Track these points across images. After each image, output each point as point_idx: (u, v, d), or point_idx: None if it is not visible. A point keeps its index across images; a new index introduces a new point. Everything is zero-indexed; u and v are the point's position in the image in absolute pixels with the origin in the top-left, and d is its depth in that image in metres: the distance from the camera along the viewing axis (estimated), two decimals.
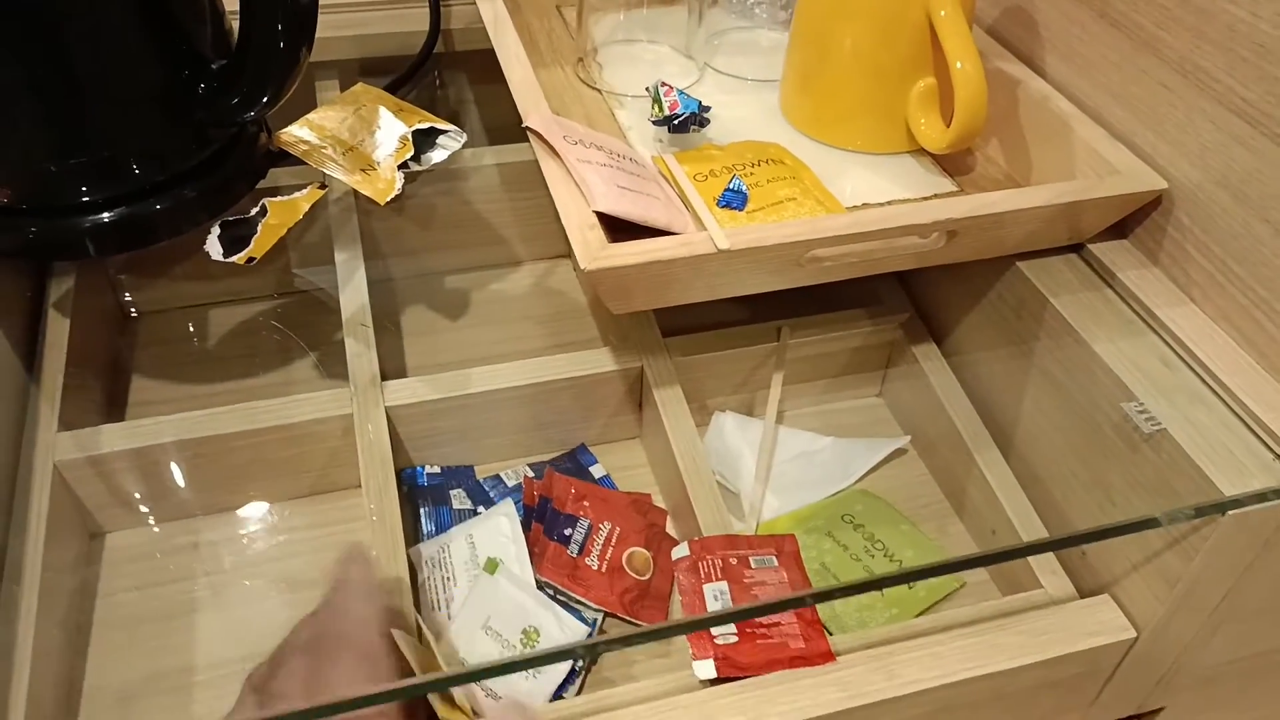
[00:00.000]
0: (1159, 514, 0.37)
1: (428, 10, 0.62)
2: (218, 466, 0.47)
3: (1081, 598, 0.43)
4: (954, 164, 0.50)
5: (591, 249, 0.38)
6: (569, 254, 0.63)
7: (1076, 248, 0.46)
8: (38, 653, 0.39)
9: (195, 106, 0.43)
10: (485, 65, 0.54)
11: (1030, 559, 0.44)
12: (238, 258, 0.44)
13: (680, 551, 0.43)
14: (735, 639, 0.39)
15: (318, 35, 0.43)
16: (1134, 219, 0.45)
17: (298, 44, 0.42)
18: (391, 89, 0.59)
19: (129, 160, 0.42)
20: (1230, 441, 0.38)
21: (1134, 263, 0.45)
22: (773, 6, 0.59)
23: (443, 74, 0.66)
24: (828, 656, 0.38)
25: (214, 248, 0.44)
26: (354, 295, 0.51)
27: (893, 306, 0.54)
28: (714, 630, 0.39)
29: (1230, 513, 0.36)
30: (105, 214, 0.43)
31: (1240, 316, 0.41)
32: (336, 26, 0.61)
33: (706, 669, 0.38)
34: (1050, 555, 0.44)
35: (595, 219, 0.40)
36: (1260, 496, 0.36)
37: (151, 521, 0.48)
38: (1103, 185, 0.43)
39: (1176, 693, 0.47)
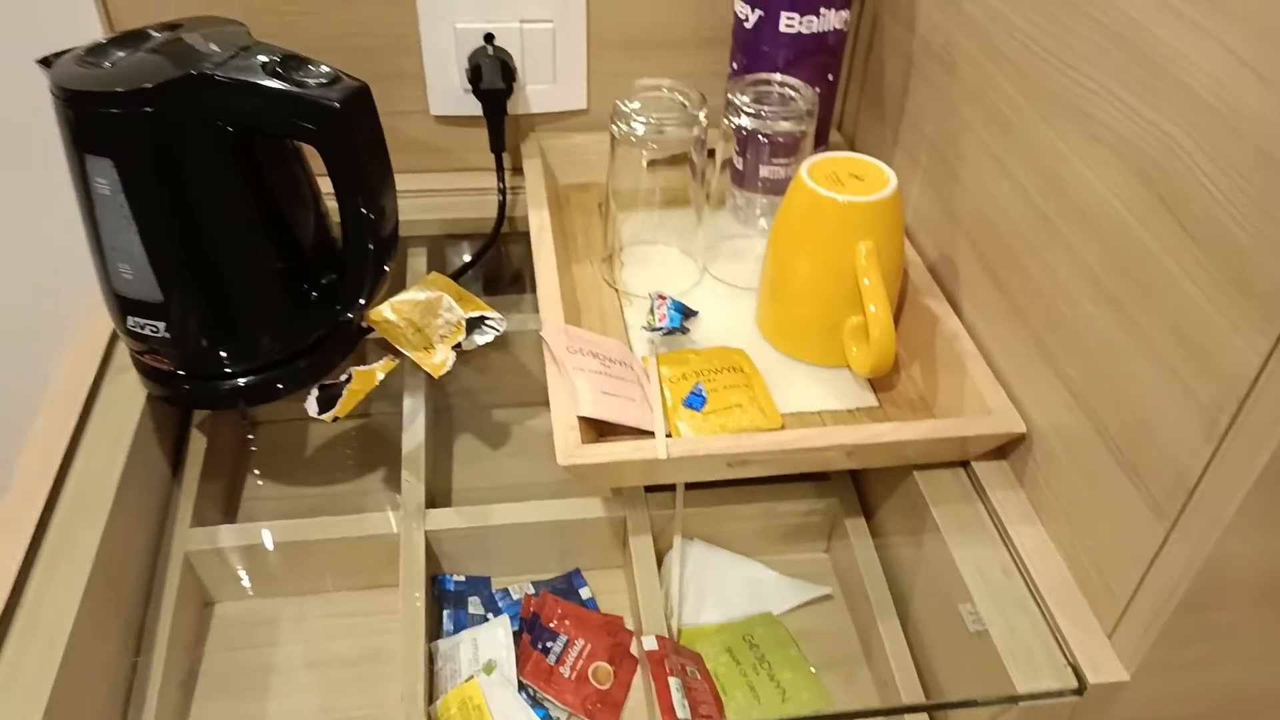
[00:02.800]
0: (977, 696, 0.49)
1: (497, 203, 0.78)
2: (299, 561, 0.63)
3: None
4: (880, 381, 0.62)
5: (568, 448, 0.53)
6: None
7: (964, 464, 0.59)
8: (161, 705, 0.55)
9: (308, 308, 0.59)
10: None
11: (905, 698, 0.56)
12: (326, 417, 0.60)
13: (649, 644, 0.57)
14: None
15: (413, 217, 0.58)
16: (1010, 447, 0.57)
17: (382, 263, 0.58)
18: (466, 267, 0.75)
19: (259, 344, 0.59)
20: (1035, 646, 0.49)
21: (1004, 483, 0.57)
22: (767, 214, 0.73)
23: (509, 247, 0.82)
24: None
25: (311, 407, 0.60)
26: (413, 436, 0.67)
27: (835, 483, 0.67)
28: (678, 715, 0.53)
29: (1022, 703, 0.48)
30: (240, 380, 0.60)
31: (1068, 542, 0.52)
32: (425, 210, 0.78)
33: None
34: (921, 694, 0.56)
35: (576, 421, 0.55)
36: (1047, 695, 0.48)
37: (250, 595, 0.64)
38: (973, 425, 0.55)
39: None
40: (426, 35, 0.73)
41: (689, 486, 0.64)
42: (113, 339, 0.64)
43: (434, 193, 0.79)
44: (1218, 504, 0.41)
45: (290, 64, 0.51)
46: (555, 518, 0.64)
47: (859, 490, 0.67)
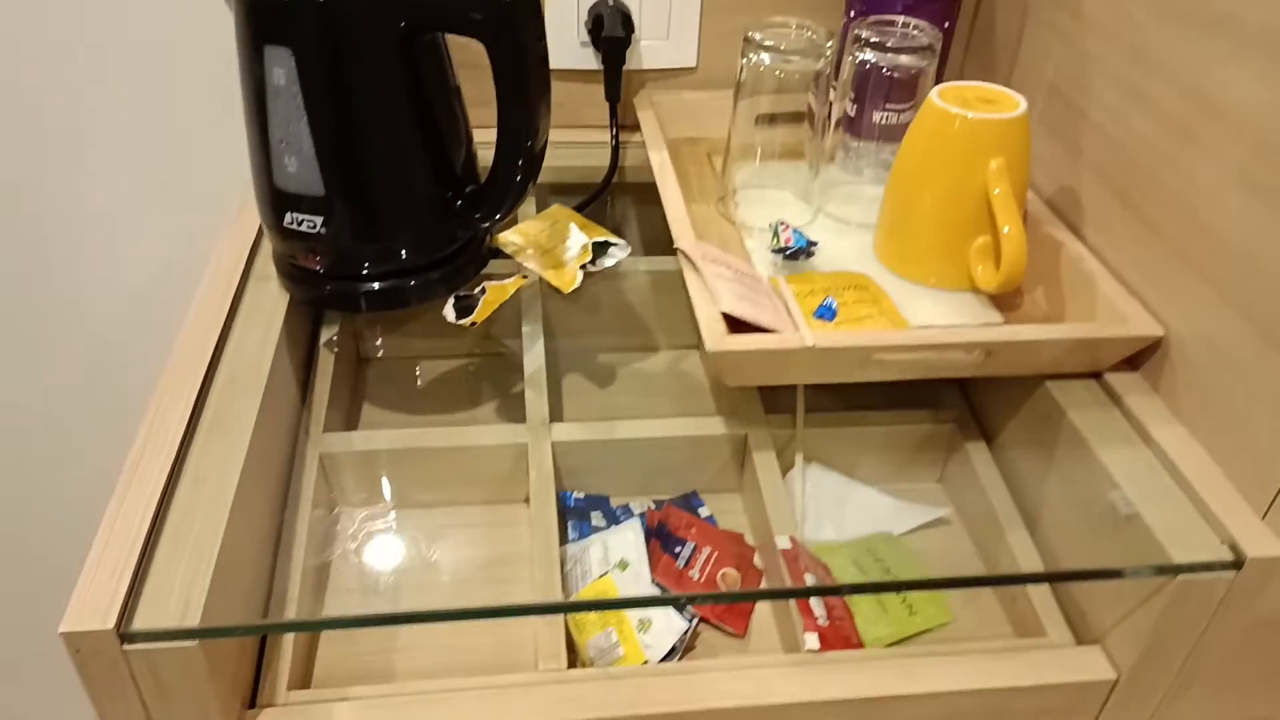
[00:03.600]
0: (1124, 568, 0.49)
1: (609, 151, 0.81)
2: (423, 470, 0.64)
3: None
4: (1004, 303, 0.63)
5: (715, 337, 0.54)
6: (698, 345, 0.79)
7: (1096, 375, 0.59)
8: (303, 586, 0.55)
9: (450, 216, 0.61)
10: (647, 195, 0.71)
11: (1040, 613, 0.56)
12: (464, 322, 0.61)
13: (783, 543, 0.57)
14: (827, 624, 0.53)
15: None
16: (1143, 357, 0.58)
17: (528, 179, 0.60)
18: (578, 209, 0.77)
19: (400, 249, 0.61)
20: (1188, 528, 0.50)
21: (1139, 390, 0.57)
22: (876, 167, 0.75)
23: (615, 199, 0.84)
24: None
25: (449, 313, 0.62)
26: (534, 358, 0.68)
27: (951, 407, 0.67)
28: (815, 613, 0.53)
29: (1181, 576, 0.48)
30: (377, 283, 0.62)
31: (1212, 438, 0.53)
32: None
33: (813, 640, 0.52)
34: (1056, 610, 0.56)
35: (720, 317, 0.56)
36: (1206, 567, 0.48)
37: (373, 509, 0.65)
38: (1109, 328, 0.56)
39: None
40: None
41: (772, 410, 0.65)
42: (252, 252, 0.66)
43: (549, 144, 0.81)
44: None
45: None
46: (676, 434, 0.65)
47: (975, 417, 0.67)
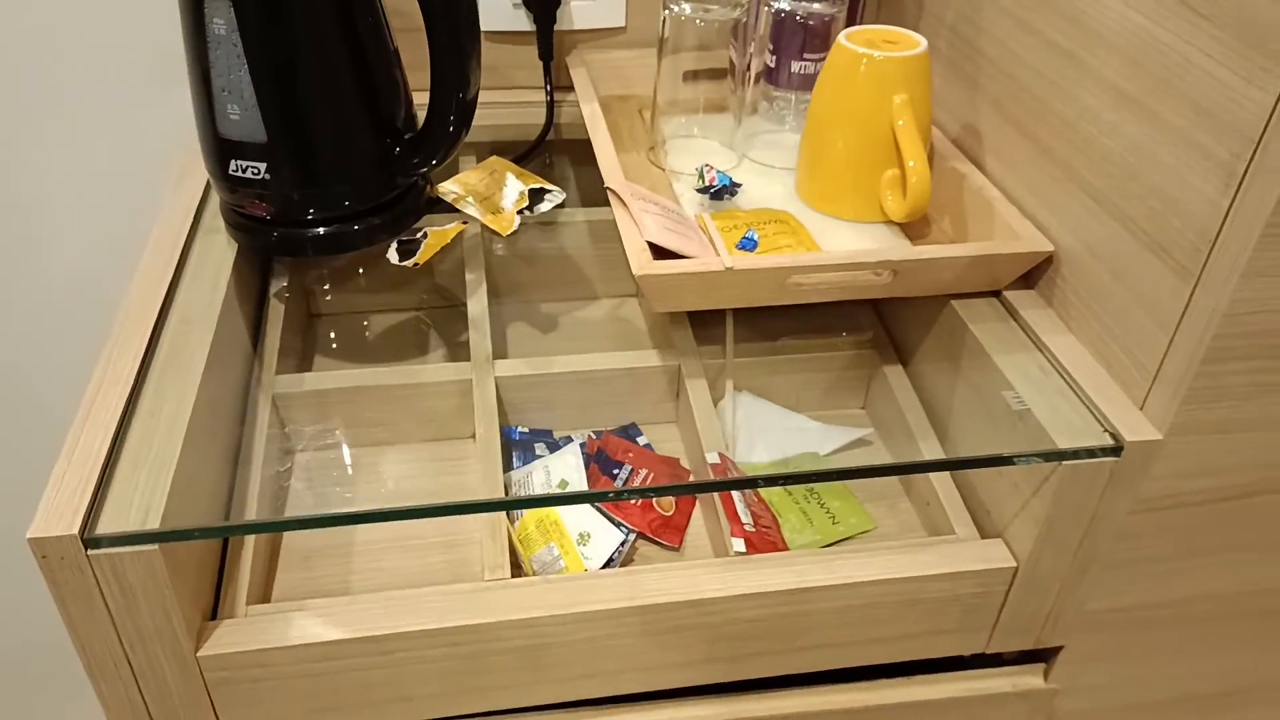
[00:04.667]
0: (1015, 454, 0.54)
1: (544, 109, 0.84)
2: (373, 408, 0.67)
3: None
4: (914, 232, 0.68)
5: (641, 262, 0.58)
6: (635, 294, 0.83)
7: (996, 294, 0.64)
8: (260, 509, 0.58)
9: (389, 161, 0.64)
10: (583, 151, 0.75)
11: (951, 516, 0.61)
12: (408, 263, 0.64)
13: (712, 459, 0.61)
14: (754, 530, 0.57)
15: None
16: (1037, 274, 0.63)
17: (462, 126, 0.63)
18: (516, 161, 0.80)
19: (343, 193, 0.64)
20: (1075, 419, 0.54)
21: (1034, 304, 0.62)
22: (798, 116, 0.79)
23: (552, 155, 0.87)
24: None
25: (392, 255, 0.65)
26: (477, 302, 0.72)
27: (868, 331, 0.72)
28: (742, 520, 0.57)
29: (1067, 462, 0.53)
30: (321, 228, 0.65)
31: (1098, 342, 0.57)
32: (477, 118, 0.83)
33: (739, 545, 0.56)
34: (965, 512, 0.61)
35: (647, 246, 0.60)
36: (1089, 453, 0.53)
37: (326, 440, 0.68)
38: (1004, 246, 0.61)
39: (1068, 633, 0.62)
40: None
41: (703, 341, 0.70)
42: (200, 206, 0.69)
43: (482, 105, 0.84)
44: (1235, 249, 0.47)
45: None
46: (614, 366, 0.68)
47: (891, 341, 0.72)
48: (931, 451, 0.64)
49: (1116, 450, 0.52)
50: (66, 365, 0.94)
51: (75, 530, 0.44)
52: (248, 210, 0.64)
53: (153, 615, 0.47)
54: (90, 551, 0.45)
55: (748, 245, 0.65)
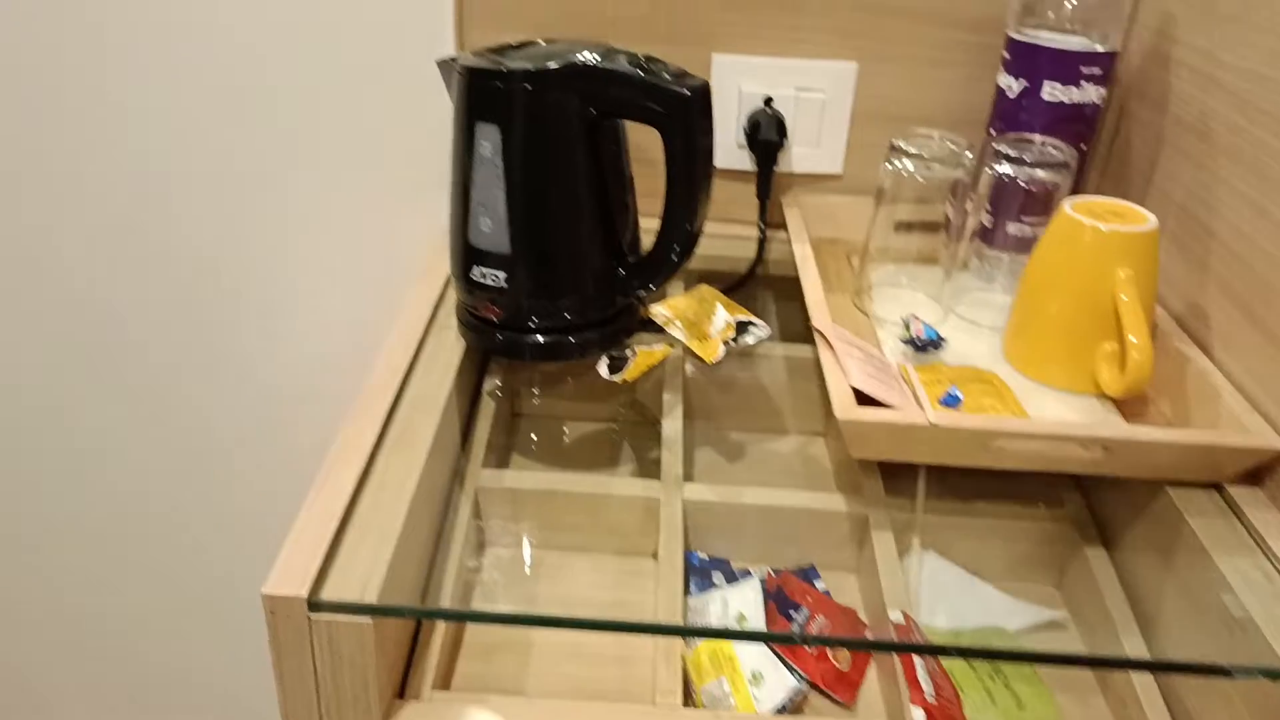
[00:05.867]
0: (1233, 666, 0.50)
1: (755, 244, 0.87)
2: (564, 513, 0.70)
3: None
4: (1128, 410, 0.66)
5: (846, 407, 0.59)
6: (824, 433, 0.83)
7: (1217, 487, 0.61)
8: (454, 596, 0.61)
9: (614, 282, 0.69)
10: (788, 288, 0.77)
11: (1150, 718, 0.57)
12: (615, 377, 0.68)
13: (896, 617, 0.60)
14: (935, 702, 0.55)
15: None
16: (1264, 472, 0.59)
17: (684, 256, 0.67)
18: (724, 292, 0.83)
19: (568, 307, 0.68)
20: None
21: (1260, 504, 0.59)
22: (1008, 276, 0.79)
23: (758, 289, 0.90)
24: None
25: (602, 370, 0.69)
26: (672, 423, 0.74)
27: (1070, 507, 0.69)
28: (923, 688, 0.56)
29: None
30: (542, 337, 0.69)
31: None
32: None
33: (919, 715, 0.54)
34: (1167, 718, 0.57)
35: (850, 391, 0.61)
36: None
37: (517, 538, 0.71)
38: (1230, 437, 0.58)
39: None
40: (716, 93, 0.84)
41: (893, 493, 0.68)
42: (437, 306, 0.75)
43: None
44: None
45: (649, 61, 0.62)
46: (800, 505, 0.69)
47: (1095, 520, 0.69)
48: (1135, 647, 0.60)
49: None
50: (306, 429, 1.03)
51: (304, 593, 0.48)
52: (480, 312, 0.69)
53: (353, 684, 0.50)
54: (312, 615, 0.48)
55: (951, 402, 0.64)
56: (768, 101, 0.85)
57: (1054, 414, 0.65)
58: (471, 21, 0.84)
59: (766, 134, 0.83)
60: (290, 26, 0.86)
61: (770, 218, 0.89)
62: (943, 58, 0.85)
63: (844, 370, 0.62)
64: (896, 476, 0.71)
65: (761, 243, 0.86)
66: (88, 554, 1.15)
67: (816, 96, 0.85)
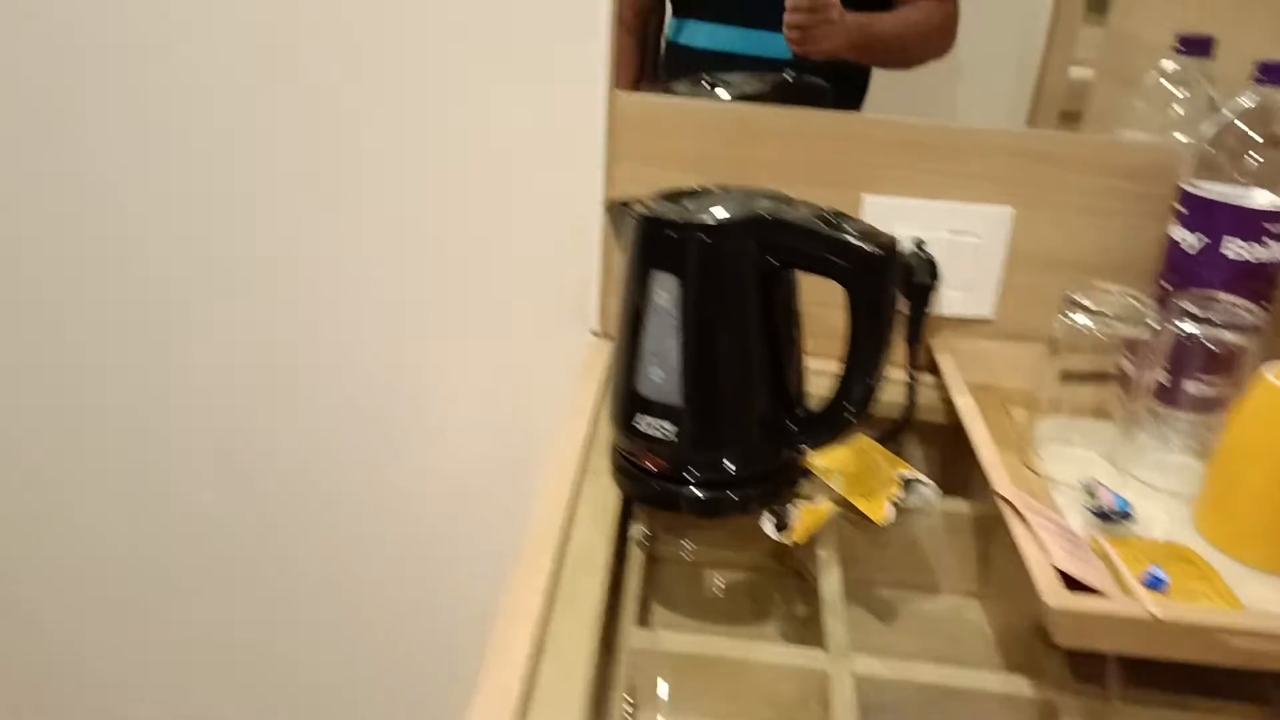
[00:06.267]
0: None
1: (903, 388, 0.84)
2: (717, 680, 0.65)
3: None
4: None
5: (1057, 594, 0.54)
6: (978, 594, 0.78)
7: None
8: None
9: (782, 436, 0.65)
10: (935, 436, 0.73)
11: None
12: (784, 538, 0.64)
13: None
14: None
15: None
16: None
17: (863, 414, 0.64)
18: (879, 441, 0.80)
19: (730, 461, 0.65)
20: None
21: None
22: (1185, 437, 0.74)
23: (905, 434, 0.86)
24: None
25: (768, 528, 0.65)
26: (831, 584, 0.69)
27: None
28: None
29: None
30: (700, 491, 0.66)
31: None
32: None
33: None
34: None
35: (1056, 575, 0.56)
36: None
37: (672, 705, 0.66)
38: None
39: None
40: None
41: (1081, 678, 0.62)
42: (586, 450, 0.72)
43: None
44: None
45: (832, 215, 0.60)
46: (983, 687, 0.63)
47: None
48: None
49: None
50: (460, 543, 1.02)
51: None
52: (639, 461, 0.66)
53: None
54: None
55: (1155, 584, 0.59)
56: (919, 244, 0.82)
57: (1270, 602, 0.59)
58: (621, 159, 0.84)
59: (920, 277, 0.81)
60: (445, 159, 0.86)
61: (915, 362, 0.86)
62: (1101, 205, 0.83)
63: (1046, 550, 0.58)
64: (1077, 653, 0.65)
65: (912, 389, 0.82)
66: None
67: (970, 240, 0.83)
